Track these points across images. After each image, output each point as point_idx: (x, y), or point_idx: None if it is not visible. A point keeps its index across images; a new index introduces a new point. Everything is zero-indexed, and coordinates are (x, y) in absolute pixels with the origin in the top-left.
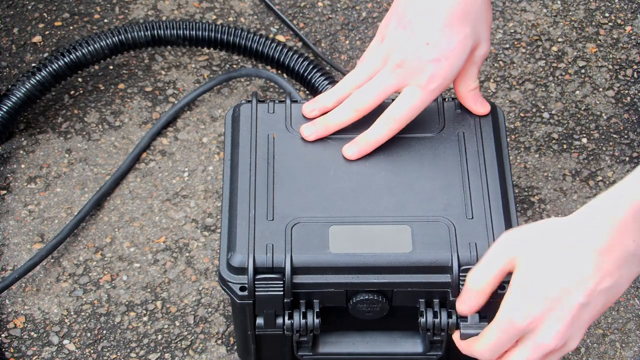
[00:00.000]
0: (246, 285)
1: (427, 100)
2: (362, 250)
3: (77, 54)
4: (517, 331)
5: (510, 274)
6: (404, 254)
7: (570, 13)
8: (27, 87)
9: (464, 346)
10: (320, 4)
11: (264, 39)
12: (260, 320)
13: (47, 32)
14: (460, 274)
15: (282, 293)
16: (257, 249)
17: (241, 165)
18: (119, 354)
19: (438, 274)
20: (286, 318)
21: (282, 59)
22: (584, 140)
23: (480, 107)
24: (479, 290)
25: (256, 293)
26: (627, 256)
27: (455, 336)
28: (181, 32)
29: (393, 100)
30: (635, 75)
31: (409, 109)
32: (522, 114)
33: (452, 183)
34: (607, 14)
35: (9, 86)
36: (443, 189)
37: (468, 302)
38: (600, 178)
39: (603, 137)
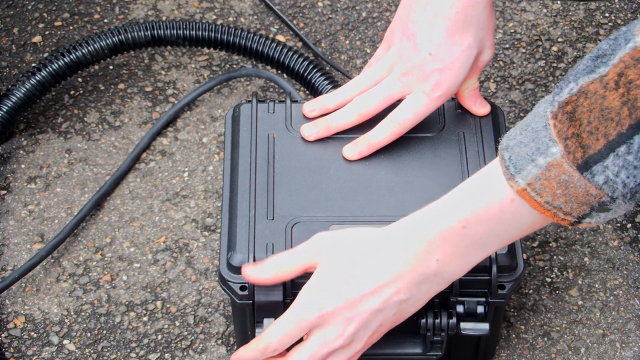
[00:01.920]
0: (246, 285)
1: (432, 107)
2: None
3: (77, 54)
4: (308, 324)
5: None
6: None
7: (570, 13)
8: (27, 87)
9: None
10: (320, 4)
11: (264, 39)
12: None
13: (47, 32)
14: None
15: (281, 299)
16: (257, 248)
17: (241, 165)
18: (119, 354)
19: None
20: None
21: (282, 59)
22: None
23: (480, 108)
24: (273, 275)
25: (255, 297)
26: (428, 275)
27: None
28: (181, 32)
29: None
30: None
31: (413, 114)
32: (522, 114)
33: (452, 183)
34: (607, 14)
35: (9, 86)
36: (443, 188)
37: (260, 274)
38: None
39: None
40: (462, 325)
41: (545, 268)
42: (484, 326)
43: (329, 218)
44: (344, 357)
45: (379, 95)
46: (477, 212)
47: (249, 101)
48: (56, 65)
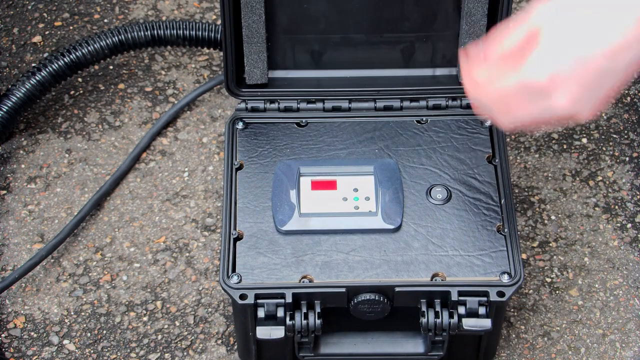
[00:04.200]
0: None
1: None
2: None
3: (77, 54)
4: (535, 89)
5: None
6: None
7: None
8: (27, 87)
9: (470, 87)
10: None
11: None
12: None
13: (47, 32)
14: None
15: (283, 301)
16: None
17: None
18: (119, 354)
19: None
20: (288, 319)
21: None
22: (584, 140)
23: None
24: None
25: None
26: None
27: (462, 59)
28: (181, 32)
29: None
30: (635, 75)
31: None
32: None
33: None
34: None
35: (9, 86)
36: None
37: (476, 50)
38: (600, 178)
39: (603, 137)
40: (465, 321)
41: (545, 268)
42: (486, 322)
43: None
44: (563, 121)
45: None
46: None
47: None
48: (56, 65)
